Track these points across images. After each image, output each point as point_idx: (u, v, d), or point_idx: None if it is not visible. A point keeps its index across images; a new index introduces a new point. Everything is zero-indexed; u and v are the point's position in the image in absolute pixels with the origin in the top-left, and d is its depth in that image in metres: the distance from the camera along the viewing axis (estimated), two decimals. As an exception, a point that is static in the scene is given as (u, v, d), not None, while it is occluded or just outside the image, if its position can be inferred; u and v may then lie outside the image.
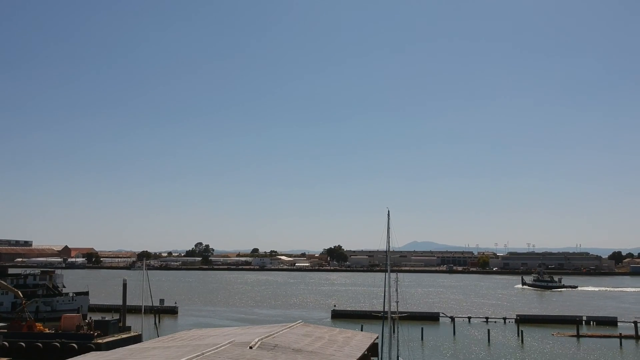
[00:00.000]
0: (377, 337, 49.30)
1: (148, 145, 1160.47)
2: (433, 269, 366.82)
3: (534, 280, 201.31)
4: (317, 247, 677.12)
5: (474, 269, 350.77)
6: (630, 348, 69.99)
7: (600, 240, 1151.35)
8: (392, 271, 51.88)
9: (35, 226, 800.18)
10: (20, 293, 77.18)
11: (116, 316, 76.80)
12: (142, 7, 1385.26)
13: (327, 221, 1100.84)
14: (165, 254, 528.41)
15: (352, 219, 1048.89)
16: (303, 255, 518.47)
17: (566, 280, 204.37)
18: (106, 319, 68.26)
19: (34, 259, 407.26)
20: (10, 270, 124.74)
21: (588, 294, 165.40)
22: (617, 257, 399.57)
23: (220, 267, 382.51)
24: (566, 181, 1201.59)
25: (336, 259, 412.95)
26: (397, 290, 50.21)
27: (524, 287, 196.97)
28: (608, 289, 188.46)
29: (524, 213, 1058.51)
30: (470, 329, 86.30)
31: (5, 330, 63.33)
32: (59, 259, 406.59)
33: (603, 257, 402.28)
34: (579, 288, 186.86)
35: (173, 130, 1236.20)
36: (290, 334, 46.18)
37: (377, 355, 48.56)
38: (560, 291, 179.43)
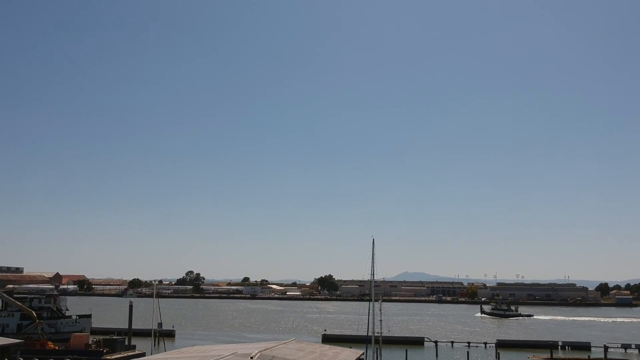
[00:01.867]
0: (363, 354, 55.18)
1: (138, 170, 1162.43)
2: (423, 298, 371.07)
3: (492, 309, 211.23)
4: (308, 276, 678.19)
5: (463, 299, 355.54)
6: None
7: (588, 272, 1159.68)
8: (376, 300, 57.84)
9: (26, 253, 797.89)
10: (34, 313, 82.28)
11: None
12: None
13: (318, 251, 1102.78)
14: (156, 282, 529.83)
15: (343, 248, 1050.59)
16: (294, 284, 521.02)
17: (555, 310, 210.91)
18: (114, 337, 73.46)
19: (25, 286, 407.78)
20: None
21: (548, 322, 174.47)
22: (603, 288, 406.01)
23: (212, 295, 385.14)
24: (555, 214, 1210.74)
25: (327, 288, 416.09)
26: (380, 311, 56.07)
27: (483, 315, 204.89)
28: (562, 317, 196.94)
29: (513, 244, 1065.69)
30: (453, 352, 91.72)
31: (21, 348, 68.40)
32: (51, 286, 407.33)
33: (590, 288, 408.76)
34: (534, 316, 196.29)
35: (161, 163, 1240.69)
36: (285, 348, 52.07)
37: (361, 370, 54.21)
38: (517, 319, 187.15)
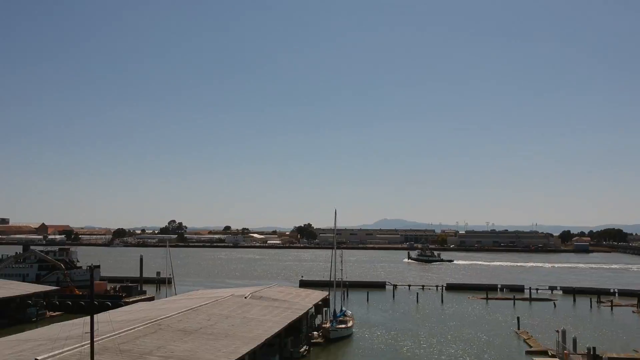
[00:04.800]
0: (329, 294, 72.24)
1: (120, 122, 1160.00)
2: (396, 246, 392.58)
3: (418, 255, 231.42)
4: (288, 223, 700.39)
5: (433, 247, 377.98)
6: (521, 306, 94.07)
7: (558, 219, 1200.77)
8: (339, 248, 74.21)
9: (11, 204, 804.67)
10: (62, 265, 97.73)
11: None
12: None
13: (298, 198, 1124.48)
14: (139, 231, 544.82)
15: (322, 196, 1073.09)
16: (274, 232, 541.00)
17: (515, 256, 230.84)
18: (129, 284, 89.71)
19: (12, 236, 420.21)
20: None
21: (464, 267, 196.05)
22: (565, 236, 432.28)
23: (195, 244, 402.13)
24: (528, 160, 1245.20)
25: (306, 236, 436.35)
26: (342, 262, 72.81)
27: (410, 260, 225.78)
28: (500, 263, 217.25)
29: (485, 191, 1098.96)
30: (408, 294, 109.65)
31: (58, 293, 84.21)
32: (39, 236, 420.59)
33: (555, 235, 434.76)
34: (454, 261, 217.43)
35: (145, 106, 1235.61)
36: (270, 290, 68.84)
37: (328, 306, 71.19)
38: (441, 264, 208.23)
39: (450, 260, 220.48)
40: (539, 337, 63.95)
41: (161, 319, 44.12)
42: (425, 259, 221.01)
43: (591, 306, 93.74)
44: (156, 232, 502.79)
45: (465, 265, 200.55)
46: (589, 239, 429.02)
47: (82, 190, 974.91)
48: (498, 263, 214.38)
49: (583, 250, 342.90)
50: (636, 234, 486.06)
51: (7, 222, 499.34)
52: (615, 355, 52.33)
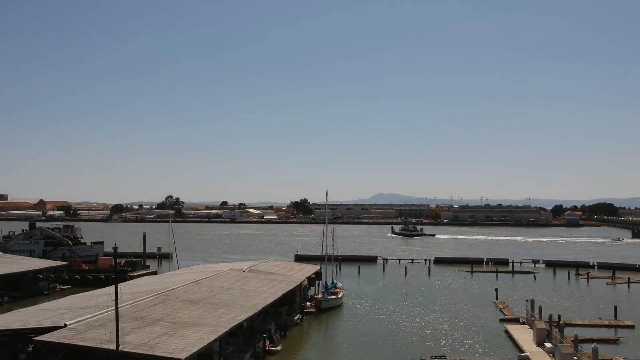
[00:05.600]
0: (321, 267, 77.48)
1: (115, 97, 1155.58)
2: (391, 221, 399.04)
3: (401, 229, 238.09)
4: (284, 199, 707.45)
5: (427, 221, 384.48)
6: (503, 278, 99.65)
7: (553, 193, 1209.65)
8: (334, 223, 79.16)
9: (9, 179, 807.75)
10: (70, 242, 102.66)
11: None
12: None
13: (295, 174, 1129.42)
14: (137, 207, 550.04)
15: (318, 172, 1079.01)
16: (271, 207, 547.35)
17: (506, 230, 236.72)
18: (134, 259, 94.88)
19: (11, 212, 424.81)
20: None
21: (445, 240, 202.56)
22: (557, 210, 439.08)
23: (193, 219, 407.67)
24: (524, 136, 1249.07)
25: (302, 211, 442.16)
26: (333, 238, 77.96)
27: (393, 235, 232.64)
28: (460, 237, 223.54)
29: (480, 167, 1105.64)
30: (398, 267, 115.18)
31: (66, 268, 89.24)
32: (37, 212, 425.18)
33: (549, 209, 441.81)
34: (437, 236, 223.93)
35: (141, 82, 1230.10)
36: (266, 264, 74.00)
37: (320, 279, 76.44)
38: (422, 238, 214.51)
39: (432, 235, 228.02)
40: (514, 307, 69.44)
41: (167, 290, 49.14)
42: (408, 233, 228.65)
43: (569, 278, 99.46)
44: (154, 207, 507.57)
45: (446, 239, 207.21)
46: (580, 213, 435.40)
47: (78, 165, 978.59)
48: (481, 237, 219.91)
49: (574, 224, 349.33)
50: (628, 208, 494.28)
51: (6, 198, 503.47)
52: (574, 322, 57.89)
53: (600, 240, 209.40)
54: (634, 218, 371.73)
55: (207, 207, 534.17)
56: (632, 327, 58.93)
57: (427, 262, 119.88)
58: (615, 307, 63.91)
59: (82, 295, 54.59)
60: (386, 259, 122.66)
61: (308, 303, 68.00)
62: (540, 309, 56.25)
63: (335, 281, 76.57)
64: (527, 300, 59.67)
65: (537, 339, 48.85)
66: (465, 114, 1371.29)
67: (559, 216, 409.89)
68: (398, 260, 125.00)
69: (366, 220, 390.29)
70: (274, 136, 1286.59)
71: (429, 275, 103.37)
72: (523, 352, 46.54)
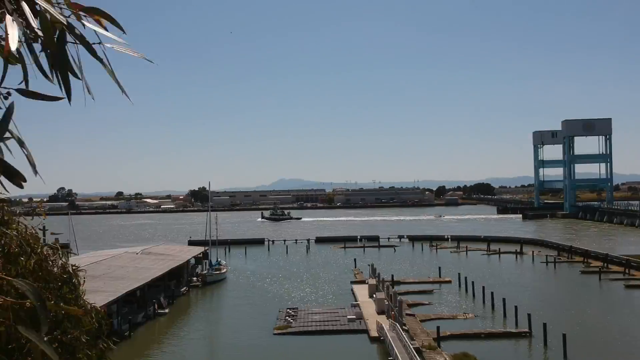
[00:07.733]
0: (207, 248, 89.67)
1: None
2: (288, 206, 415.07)
3: (270, 214, 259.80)
4: (183, 187, 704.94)
5: (322, 205, 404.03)
6: (370, 252, 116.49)
7: (442, 174, 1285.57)
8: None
9: None
10: None
11: None
12: None
13: (194, 161, 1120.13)
14: (26, 200, 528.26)
15: (218, 158, 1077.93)
16: (168, 197, 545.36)
17: (391, 211, 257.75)
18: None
19: None
20: None
21: (310, 222, 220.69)
22: (441, 191, 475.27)
23: (88, 211, 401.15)
24: (413, 121, 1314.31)
25: (200, 200, 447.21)
26: (217, 223, 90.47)
27: (263, 219, 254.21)
28: (325, 218, 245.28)
29: (374, 151, 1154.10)
30: (280, 247, 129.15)
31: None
32: None
33: (434, 189, 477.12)
34: (303, 219, 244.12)
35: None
36: (158, 248, 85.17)
37: (207, 258, 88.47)
38: (289, 222, 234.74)
39: (299, 218, 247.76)
40: (366, 273, 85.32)
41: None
42: (276, 217, 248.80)
43: (422, 249, 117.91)
44: (45, 200, 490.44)
45: (310, 222, 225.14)
46: (461, 193, 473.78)
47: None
48: (351, 218, 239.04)
49: (453, 203, 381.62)
50: (501, 187, 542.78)
51: None
52: (406, 280, 74.55)
53: (467, 217, 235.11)
54: (511, 196, 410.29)
55: (102, 198, 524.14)
56: (449, 282, 76.14)
57: (308, 241, 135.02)
58: (440, 268, 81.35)
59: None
60: (273, 241, 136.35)
61: (195, 278, 80.00)
62: (375, 270, 72.03)
63: (219, 259, 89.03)
64: (369, 265, 75.41)
65: (369, 293, 64.20)
66: (364, 101, 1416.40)
67: (441, 196, 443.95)
68: (283, 241, 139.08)
69: (264, 206, 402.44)
70: (169, 121, 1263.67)
71: (307, 252, 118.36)
72: (356, 301, 61.64)
